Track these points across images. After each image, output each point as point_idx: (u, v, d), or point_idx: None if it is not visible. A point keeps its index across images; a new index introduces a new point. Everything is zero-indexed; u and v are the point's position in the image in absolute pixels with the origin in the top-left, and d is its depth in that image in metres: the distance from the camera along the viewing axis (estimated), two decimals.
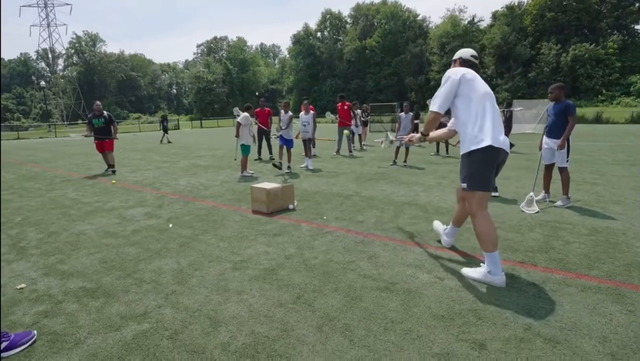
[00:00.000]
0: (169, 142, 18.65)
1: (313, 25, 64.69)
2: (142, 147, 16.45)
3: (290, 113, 8.19)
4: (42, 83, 42.41)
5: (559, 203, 5.19)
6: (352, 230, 3.98)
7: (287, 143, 8.14)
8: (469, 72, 2.90)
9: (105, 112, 8.80)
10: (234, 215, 4.68)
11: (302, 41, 62.75)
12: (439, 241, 3.60)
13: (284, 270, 3.06)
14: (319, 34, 65.11)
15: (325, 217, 4.47)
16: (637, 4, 45.88)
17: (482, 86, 2.90)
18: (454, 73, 2.89)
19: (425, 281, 2.82)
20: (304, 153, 9.33)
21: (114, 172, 8.71)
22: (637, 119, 30.37)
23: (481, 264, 2.95)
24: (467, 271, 2.92)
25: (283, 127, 8.13)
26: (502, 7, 52.31)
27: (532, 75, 46.63)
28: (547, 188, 5.35)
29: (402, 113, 8.66)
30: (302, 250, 3.48)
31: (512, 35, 48.53)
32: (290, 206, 4.86)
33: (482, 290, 2.66)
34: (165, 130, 19.46)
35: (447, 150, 10.41)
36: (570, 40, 45.60)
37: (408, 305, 2.48)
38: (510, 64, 48.74)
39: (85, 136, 9.14)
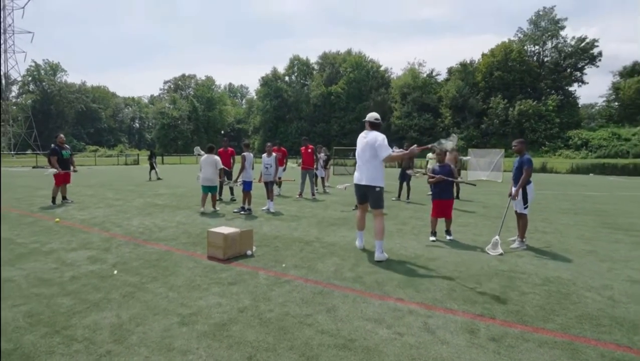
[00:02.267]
0: (158, 178, 17.51)
1: (281, 70, 66.99)
2: (96, 182, 15.56)
3: (248, 154, 8.18)
4: None
5: (514, 245, 5.39)
6: (311, 279, 3.84)
7: (245, 185, 8.04)
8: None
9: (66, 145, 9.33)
10: (187, 261, 4.39)
11: (270, 83, 64.43)
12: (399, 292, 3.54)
13: (237, 325, 2.83)
14: (287, 78, 67.30)
15: (284, 265, 4.30)
16: (568, 70, 52.13)
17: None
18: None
19: (385, 337, 2.71)
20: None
21: (70, 200, 9.22)
22: (576, 169, 33.41)
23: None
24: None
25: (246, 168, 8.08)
26: (456, 64, 57.28)
27: (484, 125, 50.51)
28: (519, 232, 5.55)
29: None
30: (257, 301, 3.27)
31: (466, 89, 52.84)
32: (249, 252, 4.66)
33: (443, 347, 2.59)
34: (153, 166, 18.28)
35: (408, 196, 10.69)
36: (516, 96, 50.37)
37: None
38: (465, 114, 52.62)
39: (59, 172, 8.83)
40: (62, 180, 8.97)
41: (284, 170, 11.75)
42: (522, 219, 5.47)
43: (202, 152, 11.46)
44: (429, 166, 6.14)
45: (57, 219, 6.76)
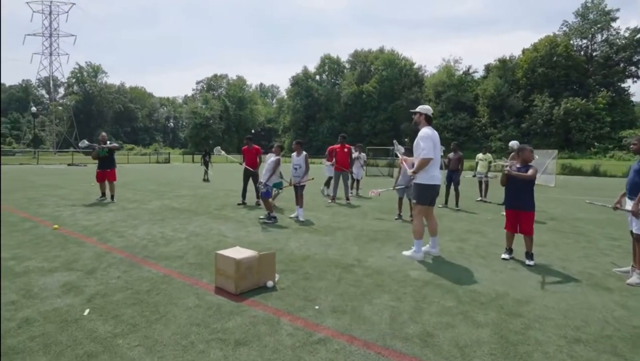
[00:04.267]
0: (208, 180, 16.20)
1: (312, 69, 66.05)
2: (120, 181, 15.04)
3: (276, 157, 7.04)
4: (33, 109, 41.39)
5: (633, 279, 3.92)
6: (359, 339, 2.59)
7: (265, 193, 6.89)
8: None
9: (108, 142, 9.21)
10: (187, 295, 3.28)
11: (301, 83, 63.63)
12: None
13: None
14: (317, 77, 66.30)
15: (317, 306, 3.10)
16: (621, 64, 47.67)
17: None
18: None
19: None
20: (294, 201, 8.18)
21: (109, 199, 8.93)
22: None
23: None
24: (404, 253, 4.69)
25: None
26: (494, 60, 54.04)
27: (525, 125, 47.15)
28: (635, 260, 4.09)
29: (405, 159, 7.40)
30: None
31: (505, 87, 49.67)
32: (269, 283, 3.49)
33: None
34: (207, 165, 16.88)
35: (457, 203, 9.22)
36: (562, 94, 46.67)
37: None
38: (504, 114, 49.44)
39: (100, 148, 8.90)
40: (100, 178, 8.94)
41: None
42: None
43: (222, 152, 10.57)
44: (507, 163, 4.75)
45: (56, 226, 5.91)
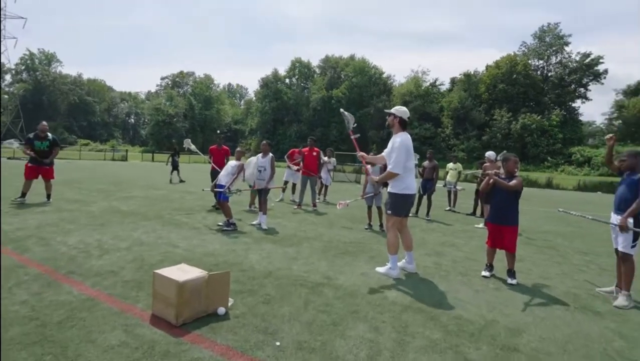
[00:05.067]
0: (180, 181, 14.59)
1: (282, 72, 65.33)
2: (63, 178, 13.61)
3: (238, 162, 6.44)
4: None
5: (620, 301, 3.65)
6: None
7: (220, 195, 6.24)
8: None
9: (50, 135, 7.87)
10: (112, 328, 2.57)
11: (270, 85, 62.71)
12: None
13: None
14: (287, 80, 65.64)
15: (278, 343, 2.50)
16: (572, 85, 51.09)
17: None
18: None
19: None
20: (253, 207, 7.64)
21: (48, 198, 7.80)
22: (583, 186, 32.02)
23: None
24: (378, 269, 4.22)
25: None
26: (460, 74, 56.03)
27: (486, 138, 49.14)
28: (618, 280, 3.84)
29: (369, 166, 6.46)
30: None
31: (468, 101, 51.63)
32: (221, 310, 2.85)
33: None
34: (175, 166, 15.01)
35: (428, 212, 8.94)
36: (520, 110, 49.15)
37: None
38: (467, 126, 51.27)
39: (27, 153, 7.73)
40: (32, 174, 7.58)
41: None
42: (626, 263, 3.73)
43: (193, 146, 9.74)
44: (489, 173, 4.33)
45: None
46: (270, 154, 6.72)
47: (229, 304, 2.98)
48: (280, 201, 9.97)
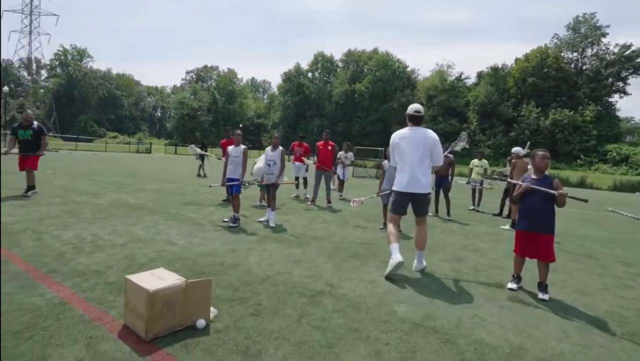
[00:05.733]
0: (204, 175, 14.32)
1: (305, 66, 64.92)
2: (82, 170, 13.80)
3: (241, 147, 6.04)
4: (5, 88, 39.08)
5: None
6: None
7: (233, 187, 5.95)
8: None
9: (35, 123, 7.53)
10: (73, 341, 2.25)
11: (293, 79, 62.49)
12: None
13: None
14: (309, 74, 65.23)
15: None
16: (610, 79, 48.00)
17: None
18: None
19: None
20: (263, 202, 7.33)
21: (31, 192, 7.20)
22: (619, 187, 29.97)
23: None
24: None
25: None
26: (487, 68, 53.90)
27: (514, 134, 47.08)
28: None
29: (386, 161, 6.25)
30: None
31: (496, 95, 49.61)
32: (200, 323, 2.49)
33: None
34: (202, 158, 14.58)
35: (448, 212, 8.36)
36: (550, 105, 46.80)
37: None
38: (493, 121, 49.34)
39: (5, 153, 7.32)
40: (21, 165, 7.36)
41: (306, 170, 9.76)
42: None
43: (198, 150, 9.57)
44: (525, 178, 3.74)
45: None
46: (281, 147, 6.35)
47: (212, 315, 2.62)
48: (296, 198, 9.62)
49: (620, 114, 51.28)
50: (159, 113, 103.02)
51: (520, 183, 3.75)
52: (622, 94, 48.68)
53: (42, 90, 74.16)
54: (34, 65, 76.15)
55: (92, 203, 6.97)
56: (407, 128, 4.12)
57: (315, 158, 8.94)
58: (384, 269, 4.06)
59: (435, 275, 4.09)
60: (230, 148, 6.12)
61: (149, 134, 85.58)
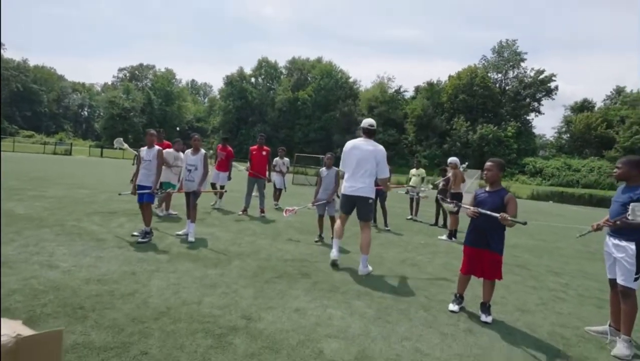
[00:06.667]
0: None
1: (248, 70, 63.49)
2: None
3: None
4: None
5: (620, 349, 2.87)
6: None
7: (147, 195, 5.09)
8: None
9: None
10: None
11: (235, 83, 60.71)
12: None
13: None
14: (252, 79, 63.88)
15: None
16: (527, 99, 53.64)
17: None
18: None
19: None
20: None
21: None
22: (536, 196, 33.15)
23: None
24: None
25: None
26: (423, 83, 57.15)
27: (447, 146, 50.30)
28: (613, 317, 3.09)
29: (324, 169, 6.13)
30: None
31: (431, 109, 52.76)
32: None
33: None
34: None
35: (385, 222, 8.12)
36: (478, 120, 50.84)
37: None
38: (429, 133, 52.26)
39: None
40: None
41: (229, 178, 8.71)
42: (627, 299, 2.94)
43: (125, 145, 8.37)
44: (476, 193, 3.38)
45: None
46: (203, 151, 5.58)
47: None
48: (216, 208, 8.56)
49: (536, 131, 57.39)
50: (86, 113, 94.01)
51: (469, 207, 3.43)
52: (537, 113, 54.75)
53: None
54: None
55: None
56: (361, 139, 4.53)
57: (248, 164, 8.22)
58: (314, 293, 3.52)
59: (372, 295, 3.64)
60: (144, 151, 5.23)
61: (73, 135, 77.59)
